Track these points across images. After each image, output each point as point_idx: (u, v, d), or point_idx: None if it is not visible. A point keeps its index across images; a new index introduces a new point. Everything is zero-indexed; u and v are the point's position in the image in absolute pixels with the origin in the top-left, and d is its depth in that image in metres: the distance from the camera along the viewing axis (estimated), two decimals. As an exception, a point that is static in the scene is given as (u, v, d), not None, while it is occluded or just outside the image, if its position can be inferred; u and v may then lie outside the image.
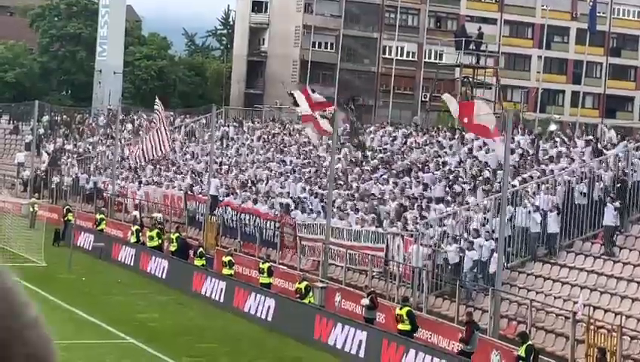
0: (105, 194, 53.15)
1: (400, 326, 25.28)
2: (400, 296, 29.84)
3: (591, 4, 54.93)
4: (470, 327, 24.18)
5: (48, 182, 59.50)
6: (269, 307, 30.01)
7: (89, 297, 32.42)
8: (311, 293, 30.11)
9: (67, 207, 48.56)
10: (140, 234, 41.29)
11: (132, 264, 40.09)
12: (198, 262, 36.50)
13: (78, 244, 43.55)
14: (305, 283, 30.19)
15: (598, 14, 73.71)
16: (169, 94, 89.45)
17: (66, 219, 46.83)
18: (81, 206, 53.69)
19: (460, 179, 35.21)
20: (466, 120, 27.56)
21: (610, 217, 28.70)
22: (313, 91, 38.28)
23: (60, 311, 29.52)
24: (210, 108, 46.98)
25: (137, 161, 48.37)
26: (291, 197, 40.15)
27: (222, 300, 32.66)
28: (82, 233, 45.21)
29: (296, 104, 39.68)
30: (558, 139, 36.48)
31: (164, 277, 37.25)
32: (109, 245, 42.05)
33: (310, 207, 38.28)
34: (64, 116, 75.77)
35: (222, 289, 33.14)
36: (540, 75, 77.74)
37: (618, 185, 29.83)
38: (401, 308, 25.45)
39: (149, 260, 38.83)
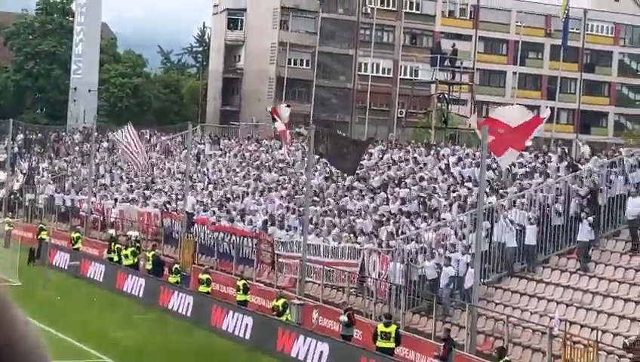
0: (81, 213, 52.88)
1: (383, 344, 25.12)
2: (377, 312, 29.82)
3: (563, 20, 55.38)
4: (448, 344, 24.18)
5: (23, 201, 59.17)
6: (247, 324, 29.94)
7: (64, 316, 32.18)
8: (288, 310, 30.05)
9: (40, 225, 48.30)
10: (122, 252, 40.96)
11: (105, 281, 39.86)
12: (172, 279, 36.38)
13: (54, 263, 43.32)
14: (282, 300, 30.13)
15: (571, 30, 74.24)
16: (144, 112, 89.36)
17: (39, 237, 46.58)
18: (57, 224, 53.39)
19: (435, 194, 35.26)
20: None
21: (584, 233, 28.80)
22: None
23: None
24: (186, 125, 46.94)
25: (136, 168, 47.93)
26: (269, 214, 40.08)
27: (197, 318, 32.53)
28: (58, 252, 44.94)
29: (274, 120, 39.54)
30: (529, 155, 36.64)
31: (140, 295, 37.08)
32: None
33: (288, 223, 38.24)
34: (39, 134, 75.46)
35: (197, 306, 33.02)
36: (514, 91, 78.20)
37: (588, 198, 29.93)
38: (387, 326, 25.29)
39: (125, 278, 38.62)
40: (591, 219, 28.83)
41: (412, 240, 31.25)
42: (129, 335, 30.12)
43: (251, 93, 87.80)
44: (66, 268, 43.00)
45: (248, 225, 39.70)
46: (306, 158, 36.89)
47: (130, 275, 38.42)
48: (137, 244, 41.65)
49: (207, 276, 34.88)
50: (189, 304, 33.58)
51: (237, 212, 41.69)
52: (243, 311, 30.84)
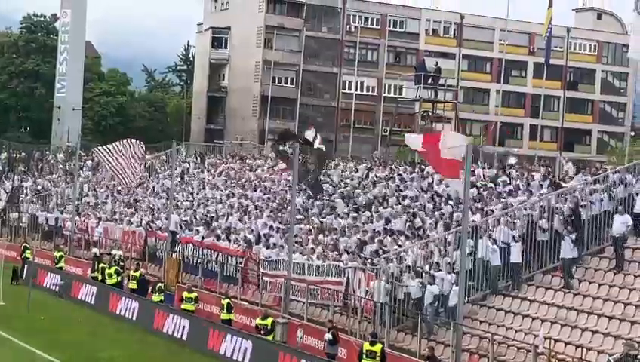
0: (64, 232, 52.66)
1: (369, 363, 25.11)
2: (362, 330, 29.77)
3: (546, 38, 55.62)
4: (433, 363, 24.19)
5: (6, 220, 58.92)
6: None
7: (48, 336, 31.98)
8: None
9: (24, 244, 48.07)
10: (106, 271, 40.61)
11: (94, 302, 39.30)
12: (156, 298, 36.15)
13: (44, 285, 42.91)
14: (270, 319, 29.92)
15: (554, 49, 74.56)
16: (129, 130, 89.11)
17: (23, 256, 46.36)
18: (40, 243, 53.17)
19: (420, 212, 35.26)
20: (429, 154, 25.49)
21: (567, 249, 28.84)
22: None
23: (19, 351, 29.13)
24: (170, 144, 46.86)
25: (122, 184, 47.60)
26: (254, 232, 40.02)
27: (188, 339, 32.00)
28: (48, 273, 44.29)
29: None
30: (516, 173, 36.75)
31: (134, 317, 35.94)
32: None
33: (273, 241, 38.18)
34: (22, 153, 75.19)
35: (188, 328, 32.21)
36: (498, 109, 78.47)
37: (572, 218, 29.97)
38: (372, 344, 25.23)
39: (118, 300, 37.43)
40: (573, 236, 28.87)
41: (397, 259, 31.20)
42: (114, 354, 29.92)
43: (236, 112, 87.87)
44: (52, 288, 42.63)
45: (234, 244, 39.63)
46: (290, 177, 36.88)
47: (123, 297, 37.18)
48: (121, 263, 41.48)
49: (195, 294, 34.71)
50: (184, 327, 32.54)
51: (222, 231, 41.60)
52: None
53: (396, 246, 32.35)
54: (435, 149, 24.73)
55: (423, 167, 42.38)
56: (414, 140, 27.11)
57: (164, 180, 56.21)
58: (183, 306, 34.31)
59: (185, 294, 34.74)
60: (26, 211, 58.42)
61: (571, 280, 28.83)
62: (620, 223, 28.73)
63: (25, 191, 63.74)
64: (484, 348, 26.59)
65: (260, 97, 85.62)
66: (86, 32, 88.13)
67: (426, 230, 33.29)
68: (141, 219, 48.47)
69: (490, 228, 30.73)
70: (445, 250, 30.82)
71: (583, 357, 23.65)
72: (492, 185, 35.77)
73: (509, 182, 35.57)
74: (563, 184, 32.85)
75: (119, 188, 55.78)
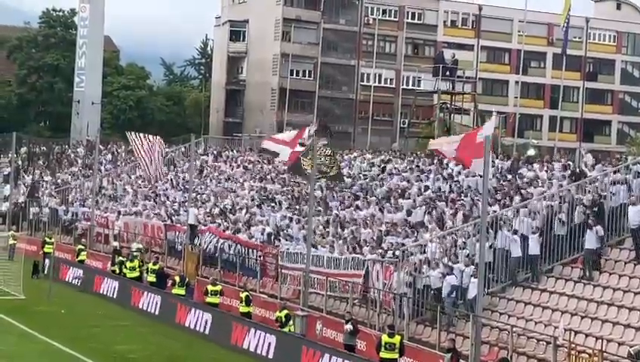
0: (84, 225, 52.73)
1: (387, 355, 25.07)
2: (381, 323, 29.75)
3: (564, 28, 55.33)
4: (456, 356, 24.08)
5: (27, 214, 59.20)
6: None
7: (68, 329, 32.09)
8: (290, 322, 29.95)
9: (45, 238, 48.20)
10: (123, 266, 40.66)
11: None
12: (176, 291, 36.08)
13: (67, 279, 43.00)
14: (285, 311, 30.05)
15: (574, 39, 74.20)
16: (148, 124, 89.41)
17: (43, 251, 46.47)
18: (60, 237, 53.37)
19: (440, 203, 35.16)
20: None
21: (592, 240, 28.64)
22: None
23: (38, 344, 29.25)
24: (189, 137, 46.94)
25: (149, 178, 47.70)
26: (273, 225, 40.02)
27: (207, 332, 31.92)
28: (67, 266, 44.47)
29: (275, 155, 39.79)
30: (536, 165, 36.58)
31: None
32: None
33: (291, 233, 38.17)
34: (42, 147, 75.54)
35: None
36: (517, 100, 78.15)
37: (595, 209, 29.80)
38: (391, 336, 25.23)
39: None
40: (599, 227, 28.66)
41: (412, 253, 31.13)
42: (133, 348, 29.96)
43: (254, 105, 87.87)
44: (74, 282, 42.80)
45: (252, 238, 39.61)
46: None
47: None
48: (141, 257, 41.59)
49: (219, 287, 34.75)
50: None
51: (241, 224, 41.61)
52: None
53: (415, 238, 32.28)
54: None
55: (442, 158, 42.23)
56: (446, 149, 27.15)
57: (183, 173, 56.29)
58: (208, 299, 34.23)
59: (209, 287, 34.64)
60: (46, 205, 58.64)
61: (596, 271, 28.63)
62: (634, 213, 28.50)
63: (45, 185, 64.03)
64: (503, 340, 26.53)
65: (278, 90, 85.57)
66: (104, 27, 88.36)
67: (446, 221, 33.20)
68: (161, 213, 48.53)
69: (510, 218, 30.61)
70: (464, 242, 30.75)
71: (603, 349, 23.53)
72: (514, 176, 35.61)
73: (527, 173, 35.39)
74: (586, 171, 32.67)
75: (140, 180, 55.94)
